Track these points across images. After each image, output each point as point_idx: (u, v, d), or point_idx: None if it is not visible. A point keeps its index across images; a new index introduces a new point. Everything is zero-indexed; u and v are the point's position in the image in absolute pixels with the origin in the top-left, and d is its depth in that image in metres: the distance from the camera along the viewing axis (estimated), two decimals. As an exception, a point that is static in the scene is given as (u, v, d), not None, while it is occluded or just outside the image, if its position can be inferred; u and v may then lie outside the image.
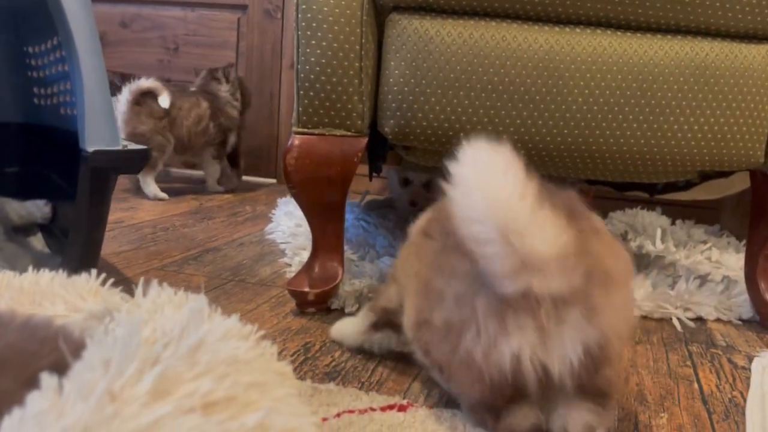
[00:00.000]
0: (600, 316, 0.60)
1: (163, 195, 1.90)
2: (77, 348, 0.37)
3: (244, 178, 2.44)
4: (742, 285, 1.15)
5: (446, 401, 0.75)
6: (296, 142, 0.96)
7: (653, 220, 1.78)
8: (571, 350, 0.59)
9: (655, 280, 1.15)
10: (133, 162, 0.77)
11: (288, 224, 1.50)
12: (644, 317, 1.10)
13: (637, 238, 1.59)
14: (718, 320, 1.12)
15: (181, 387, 0.32)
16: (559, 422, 0.63)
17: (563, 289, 0.58)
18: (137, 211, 1.72)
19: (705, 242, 1.58)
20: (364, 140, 0.98)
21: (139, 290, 0.48)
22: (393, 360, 0.86)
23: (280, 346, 0.89)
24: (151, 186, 1.88)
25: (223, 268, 1.25)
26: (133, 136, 1.84)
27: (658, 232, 1.56)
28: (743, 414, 0.78)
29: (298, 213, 1.53)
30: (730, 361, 0.95)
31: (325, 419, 0.66)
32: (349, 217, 1.57)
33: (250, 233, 1.55)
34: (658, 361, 0.93)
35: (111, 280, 0.57)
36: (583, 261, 0.59)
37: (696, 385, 0.85)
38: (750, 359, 0.96)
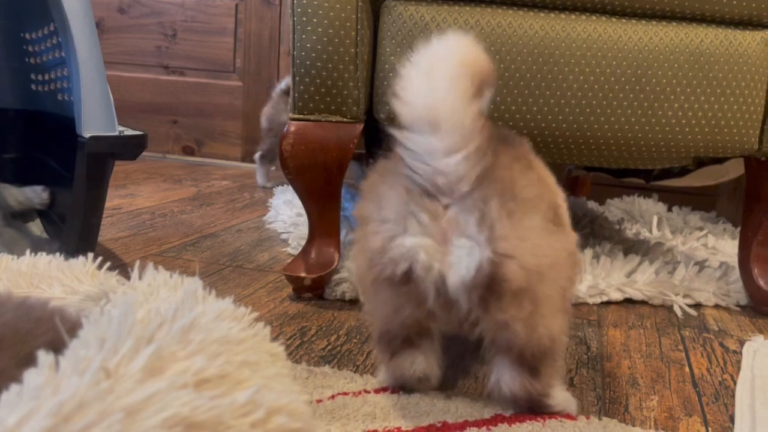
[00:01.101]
0: (498, 235, 0.57)
1: (270, 184, 2.02)
2: (73, 328, 0.38)
3: (242, 164, 2.45)
4: (738, 271, 1.16)
5: (440, 384, 0.76)
6: (292, 128, 0.97)
7: (650, 207, 1.79)
8: (465, 264, 0.57)
9: (657, 267, 1.15)
10: (130, 147, 0.78)
11: (288, 213, 1.50)
12: (643, 302, 1.11)
13: (634, 225, 1.59)
14: (716, 306, 1.13)
15: (174, 365, 0.33)
16: (493, 384, 0.65)
17: (462, 186, 0.57)
18: (135, 197, 1.73)
19: (701, 229, 1.59)
20: (360, 126, 0.98)
21: (135, 273, 0.49)
22: (388, 344, 0.87)
23: (277, 330, 0.90)
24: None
25: (221, 254, 1.25)
26: (279, 124, 1.94)
27: (655, 219, 1.57)
28: (733, 396, 0.79)
29: (298, 202, 1.53)
30: (721, 345, 0.96)
31: (319, 401, 0.68)
32: (350, 205, 1.57)
33: (248, 219, 1.56)
34: (650, 346, 0.94)
35: (107, 264, 0.58)
36: (483, 164, 0.57)
37: (687, 369, 0.86)
38: (742, 343, 0.97)
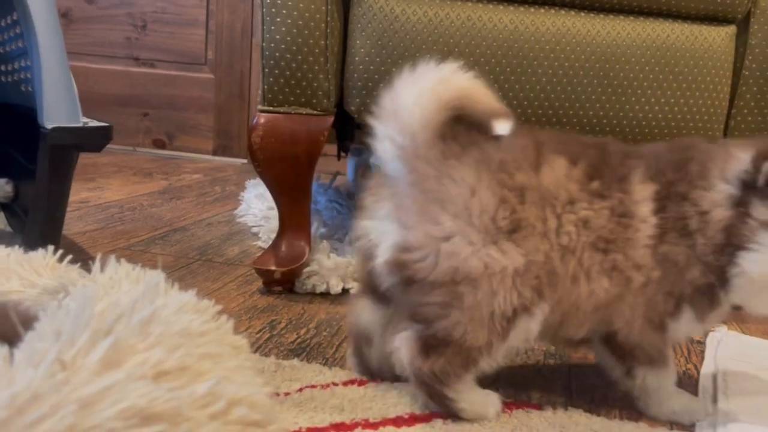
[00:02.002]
0: (409, 221, 0.63)
1: None
2: (29, 321, 0.37)
3: (214, 157, 2.42)
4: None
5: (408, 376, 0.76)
6: (261, 120, 0.96)
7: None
8: (387, 241, 0.64)
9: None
10: (94, 139, 0.77)
11: (260, 207, 1.49)
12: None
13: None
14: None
15: (132, 357, 0.32)
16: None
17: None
18: (104, 191, 1.71)
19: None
20: (330, 119, 0.98)
21: (96, 266, 0.48)
22: (358, 337, 0.87)
23: (246, 323, 0.89)
24: None
25: (190, 247, 1.24)
26: None
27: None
28: (696, 386, 0.80)
29: (270, 195, 1.52)
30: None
31: (287, 394, 0.67)
32: (322, 199, 1.57)
33: (218, 213, 1.55)
34: (617, 337, 0.95)
35: (69, 257, 0.57)
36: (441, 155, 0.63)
37: (652, 359, 0.88)
38: (705, 334, 0.99)
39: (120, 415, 0.27)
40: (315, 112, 0.97)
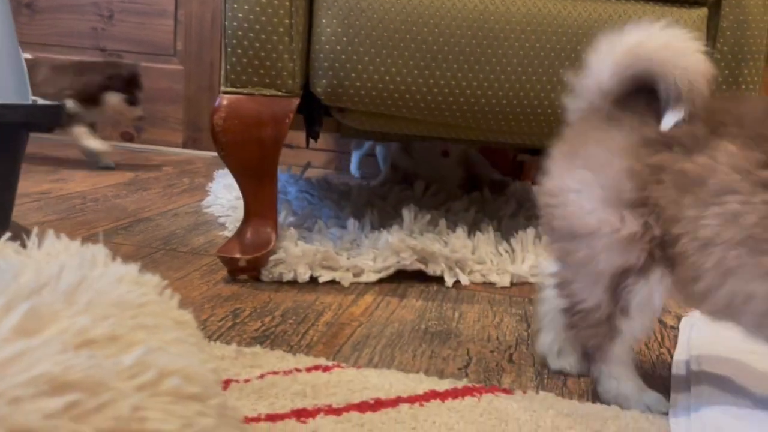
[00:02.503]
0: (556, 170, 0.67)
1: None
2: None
3: (184, 150, 2.38)
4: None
5: (376, 362, 0.74)
6: (224, 101, 0.93)
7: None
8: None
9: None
10: (45, 118, 0.73)
11: (228, 197, 1.46)
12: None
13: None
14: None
15: (54, 324, 0.29)
16: None
17: None
18: (67, 182, 1.65)
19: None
20: (296, 101, 0.95)
21: (32, 239, 0.45)
22: (326, 324, 0.84)
23: (208, 312, 0.86)
24: None
25: (154, 237, 1.20)
26: None
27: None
28: (669, 370, 0.79)
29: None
30: (660, 321, 0.97)
31: (247, 380, 0.64)
32: (293, 189, 1.53)
33: (185, 204, 1.51)
34: (589, 322, 0.93)
35: (8, 235, 0.54)
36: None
37: (625, 344, 0.86)
38: (679, 319, 0.97)
39: (30, 383, 0.24)
40: (280, 93, 0.94)
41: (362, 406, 0.61)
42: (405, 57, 0.93)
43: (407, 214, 1.15)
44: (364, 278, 1.02)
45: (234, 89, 0.93)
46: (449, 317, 0.91)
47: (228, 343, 0.75)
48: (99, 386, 0.25)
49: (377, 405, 0.61)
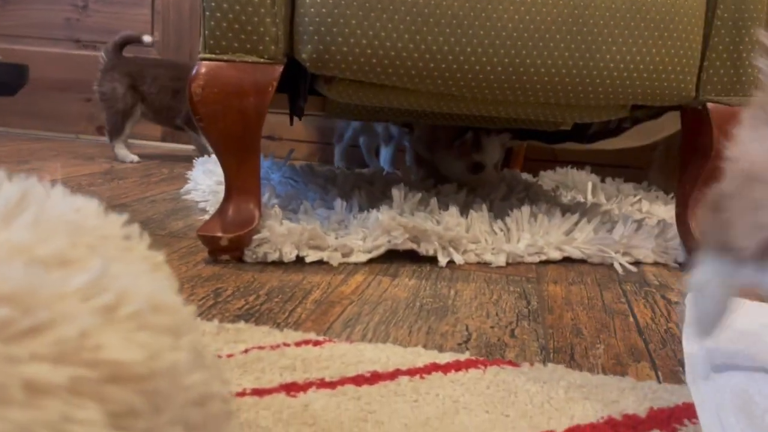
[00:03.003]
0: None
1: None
2: None
3: (164, 144, 2.30)
4: (675, 228, 1.13)
5: (370, 338, 0.68)
6: (203, 69, 0.87)
7: (583, 177, 1.77)
8: None
9: (595, 225, 1.11)
10: (5, 76, 0.66)
11: (208, 182, 1.39)
12: (582, 262, 1.07)
13: (569, 193, 1.56)
14: (655, 263, 1.09)
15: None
16: None
17: None
18: (40, 171, 1.58)
19: (635, 195, 1.57)
20: (279, 68, 0.89)
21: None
22: (315, 303, 0.79)
23: (187, 291, 0.80)
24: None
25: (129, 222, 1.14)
26: None
27: (589, 185, 1.54)
28: (680, 343, 0.74)
29: (219, 170, 1.42)
30: (663, 297, 0.92)
31: (230, 355, 0.59)
32: (276, 176, 1.48)
33: (164, 192, 1.44)
34: (592, 299, 0.89)
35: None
36: None
37: (632, 319, 0.82)
38: (684, 296, 0.93)
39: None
40: (262, 59, 0.88)
41: (358, 380, 0.55)
42: (395, 20, 0.88)
43: (397, 193, 1.10)
44: (353, 258, 0.96)
45: (213, 56, 0.87)
46: (445, 295, 0.86)
47: (209, 320, 0.69)
48: (36, 303, 0.20)
49: (374, 378, 0.56)
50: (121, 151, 1.84)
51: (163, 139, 2.31)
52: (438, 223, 1.03)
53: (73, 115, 2.32)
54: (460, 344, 0.69)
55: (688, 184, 1.07)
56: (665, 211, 1.42)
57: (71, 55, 2.30)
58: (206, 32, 0.86)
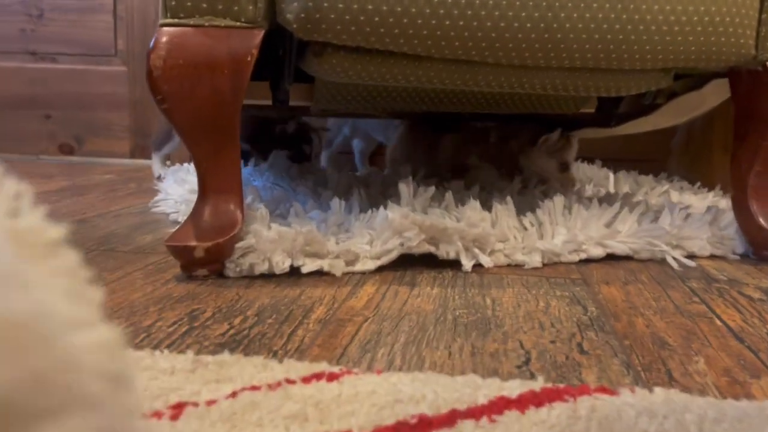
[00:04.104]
0: None
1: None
2: None
3: (132, 161, 2.12)
4: (729, 215, 0.97)
5: (399, 365, 0.51)
6: (164, 37, 0.69)
7: (596, 171, 1.61)
8: None
9: (638, 215, 0.94)
10: None
11: (180, 192, 1.21)
12: (627, 258, 0.90)
13: (588, 186, 1.40)
14: (711, 256, 0.93)
15: None
16: None
17: None
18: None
19: (658, 187, 1.42)
20: (259, 34, 0.72)
21: None
22: (319, 322, 0.61)
23: (154, 316, 0.62)
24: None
25: (88, 238, 0.95)
26: None
27: (611, 176, 1.38)
28: (790, 349, 0.58)
29: (192, 178, 1.24)
30: (741, 293, 0.76)
31: (211, 402, 0.40)
32: (258, 182, 1.30)
33: (130, 205, 1.26)
34: (659, 300, 0.72)
35: None
36: None
37: (719, 322, 0.65)
38: (764, 291, 0.77)
39: None
40: (238, 23, 0.71)
41: (401, 429, 0.38)
42: (401, -33, 0.71)
43: (404, 188, 0.92)
44: (359, 266, 0.79)
45: (177, 20, 0.69)
46: (480, 304, 0.68)
47: (182, 352, 0.51)
48: None
49: (423, 425, 0.38)
50: (157, 164, 1.67)
51: (132, 155, 2.12)
52: (458, 219, 0.86)
53: (33, 134, 2.13)
54: (519, 367, 0.52)
55: (744, 162, 0.91)
56: (697, 200, 1.27)
57: (27, 69, 2.11)
58: (166, -9, 0.69)
